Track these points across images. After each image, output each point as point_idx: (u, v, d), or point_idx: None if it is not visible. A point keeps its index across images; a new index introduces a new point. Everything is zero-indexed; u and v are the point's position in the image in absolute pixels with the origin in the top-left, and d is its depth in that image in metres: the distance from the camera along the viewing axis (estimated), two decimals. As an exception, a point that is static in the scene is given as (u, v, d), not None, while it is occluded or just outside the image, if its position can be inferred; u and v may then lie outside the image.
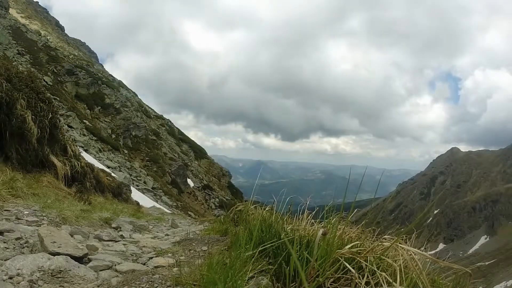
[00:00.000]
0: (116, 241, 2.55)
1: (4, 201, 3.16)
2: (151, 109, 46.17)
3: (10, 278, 1.40)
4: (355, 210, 1.63)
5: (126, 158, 28.75)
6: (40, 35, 35.81)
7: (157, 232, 3.46)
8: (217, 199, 32.52)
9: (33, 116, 5.00)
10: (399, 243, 1.42)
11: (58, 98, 25.21)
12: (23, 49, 30.94)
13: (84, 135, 25.39)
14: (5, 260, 1.54)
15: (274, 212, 2.36)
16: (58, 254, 1.66)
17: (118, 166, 24.98)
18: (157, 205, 21.85)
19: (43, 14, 48.82)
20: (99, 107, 33.10)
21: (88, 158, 13.23)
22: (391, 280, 1.18)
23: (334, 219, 1.54)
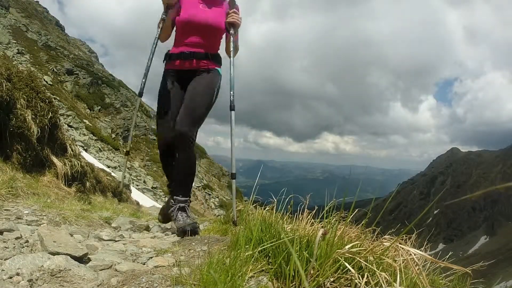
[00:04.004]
0: (116, 241, 2.55)
1: (4, 201, 3.16)
2: (151, 108, 46.22)
3: (10, 277, 1.41)
4: (356, 210, 1.63)
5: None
6: (40, 34, 35.81)
7: (157, 231, 3.46)
8: (217, 199, 32.53)
9: (33, 116, 5.00)
10: (399, 243, 1.42)
11: (58, 98, 25.20)
12: (23, 48, 30.94)
13: (84, 134, 25.39)
14: (4, 260, 1.54)
15: (274, 212, 2.36)
16: (58, 253, 1.66)
17: (118, 166, 24.99)
18: (157, 205, 21.85)
19: (43, 14, 48.86)
20: (99, 107, 33.10)
21: (88, 157, 13.24)
22: (391, 280, 1.18)
23: (334, 219, 1.54)
